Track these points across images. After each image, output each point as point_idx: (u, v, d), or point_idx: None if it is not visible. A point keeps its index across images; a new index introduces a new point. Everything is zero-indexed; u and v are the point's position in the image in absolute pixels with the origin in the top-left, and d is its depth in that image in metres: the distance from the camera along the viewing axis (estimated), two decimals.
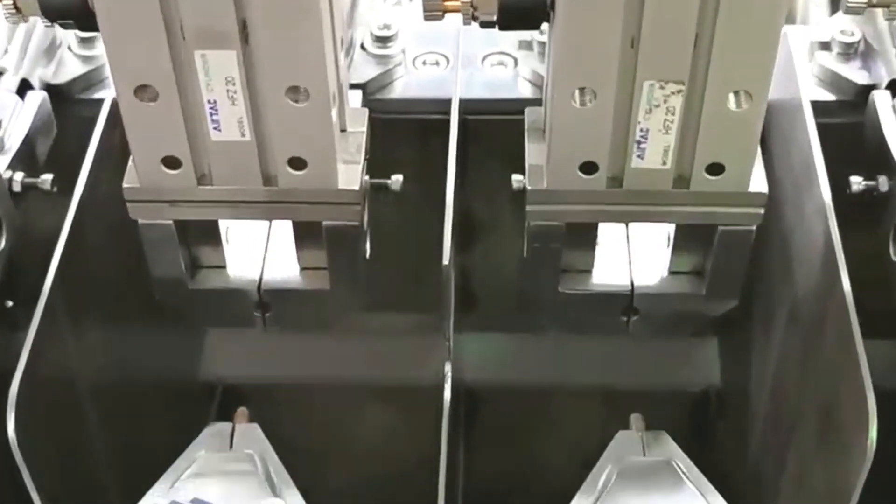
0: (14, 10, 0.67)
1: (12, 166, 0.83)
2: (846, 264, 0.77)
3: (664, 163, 0.71)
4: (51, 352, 0.77)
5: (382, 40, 0.93)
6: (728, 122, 0.69)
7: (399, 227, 0.87)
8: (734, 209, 0.74)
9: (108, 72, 0.80)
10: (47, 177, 0.84)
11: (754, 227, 0.76)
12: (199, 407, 1.02)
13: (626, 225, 0.84)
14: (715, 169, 0.72)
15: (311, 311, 0.83)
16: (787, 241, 0.88)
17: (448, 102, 0.89)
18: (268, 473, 0.77)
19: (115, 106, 0.79)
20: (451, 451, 0.70)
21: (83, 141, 0.85)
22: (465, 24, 0.68)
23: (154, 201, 0.75)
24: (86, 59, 0.92)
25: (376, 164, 0.80)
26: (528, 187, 0.74)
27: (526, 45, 0.94)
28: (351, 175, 0.75)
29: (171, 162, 0.72)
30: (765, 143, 0.76)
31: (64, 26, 0.69)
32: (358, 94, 0.90)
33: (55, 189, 0.84)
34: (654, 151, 0.71)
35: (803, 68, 0.91)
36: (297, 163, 0.72)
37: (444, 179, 0.83)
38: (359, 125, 0.78)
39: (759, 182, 0.74)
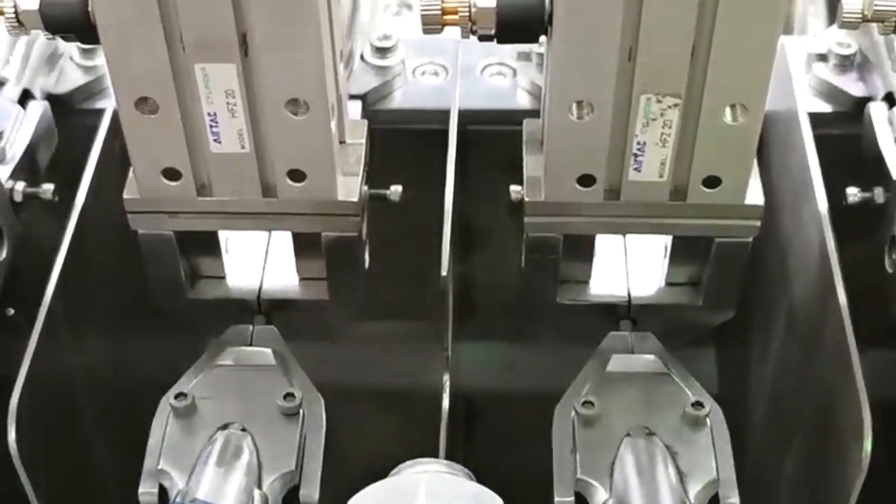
0: (16, 24, 0.67)
1: (14, 176, 0.83)
2: (843, 275, 0.77)
3: (661, 175, 0.72)
4: (51, 361, 0.77)
5: (382, 51, 0.94)
6: (724, 135, 0.70)
7: (398, 237, 0.88)
8: (731, 221, 0.75)
9: (108, 82, 0.80)
10: (48, 186, 0.85)
11: (751, 239, 0.76)
12: None
13: (624, 236, 0.84)
14: (711, 182, 0.72)
15: (310, 321, 0.83)
16: (784, 252, 0.88)
17: (447, 113, 0.89)
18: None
19: (115, 116, 0.79)
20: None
21: (84, 150, 0.85)
22: (463, 37, 0.69)
23: (154, 212, 0.75)
24: (87, 70, 0.92)
25: (375, 173, 0.81)
26: (527, 199, 0.75)
27: (524, 56, 0.94)
28: (350, 187, 0.75)
29: (172, 173, 0.73)
30: (762, 153, 0.76)
31: (65, 39, 0.70)
32: (357, 104, 0.90)
33: (56, 198, 0.85)
34: (651, 164, 0.71)
35: (800, 80, 0.92)
36: (296, 174, 0.73)
37: (443, 189, 0.84)
38: (358, 137, 0.78)
39: (755, 194, 0.74)
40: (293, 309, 0.83)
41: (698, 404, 0.74)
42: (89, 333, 0.85)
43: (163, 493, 0.73)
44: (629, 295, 0.83)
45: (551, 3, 0.65)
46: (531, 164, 0.76)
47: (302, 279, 0.83)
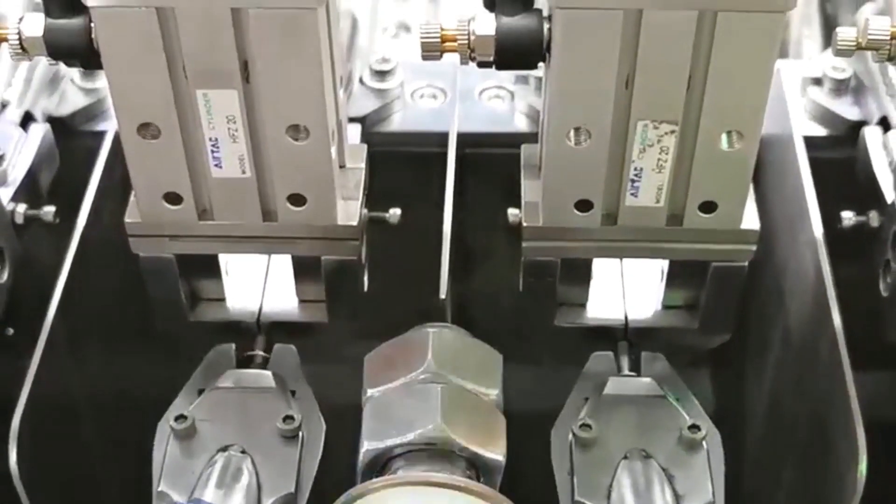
0: (20, 50, 0.68)
1: (15, 198, 0.84)
2: (837, 298, 0.78)
3: (658, 201, 0.72)
4: (53, 382, 0.78)
5: (381, 74, 0.94)
6: (720, 161, 0.70)
7: (397, 260, 0.88)
8: (727, 246, 0.75)
9: (110, 103, 0.81)
10: (50, 209, 0.85)
11: (747, 264, 0.77)
12: None
13: (621, 260, 0.85)
14: (708, 207, 0.73)
15: (309, 343, 0.84)
16: (779, 274, 0.89)
17: (445, 136, 0.90)
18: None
19: (117, 138, 0.80)
20: None
21: (85, 172, 0.86)
22: (462, 63, 0.69)
23: (155, 236, 0.76)
24: (88, 92, 0.93)
25: (374, 196, 0.81)
26: (525, 224, 0.75)
27: (522, 80, 0.95)
28: (350, 211, 0.76)
29: (173, 198, 0.73)
30: (758, 176, 0.77)
31: (68, 65, 0.70)
32: (357, 127, 0.91)
33: (57, 220, 0.85)
34: (648, 190, 0.72)
35: (795, 103, 0.92)
36: (296, 199, 0.73)
37: (442, 211, 0.84)
38: (358, 161, 0.79)
39: (751, 219, 0.75)
40: (292, 331, 0.83)
41: (695, 427, 0.75)
42: (90, 355, 0.86)
43: None
44: (626, 318, 0.83)
45: (549, 31, 0.66)
46: (529, 189, 0.77)
47: (301, 301, 0.84)
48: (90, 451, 0.86)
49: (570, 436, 0.76)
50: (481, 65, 0.69)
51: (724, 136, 0.69)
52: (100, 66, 0.68)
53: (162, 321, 0.82)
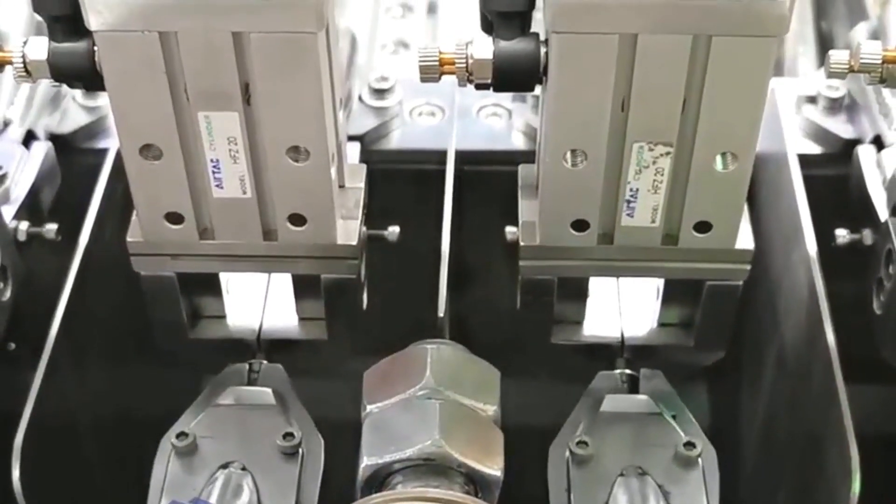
0: (24, 73, 0.69)
1: (18, 216, 0.84)
2: (831, 315, 0.79)
3: (653, 221, 0.73)
4: (55, 399, 0.78)
5: (380, 92, 0.95)
6: (715, 182, 0.71)
7: (395, 277, 0.89)
8: (721, 265, 0.76)
9: (111, 121, 0.82)
10: (52, 226, 0.85)
11: (741, 282, 0.78)
12: None
13: (617, 278, 0.86)
14: (702, 227, 0.74)
15: (309, 360, 0.84)
16: (773, 291, 0.89)
17: (444, 153, 0.91)
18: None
19: (118, 155, 0.81)
20: None
21: (87, 190, 0.86)
22: (460, 85, 0.70)
23: (157, 255, 0.77)
24: (90, 110, 0.93)
25: (373, 213, 0.82)
26: (522, 243, 0.76)
27: (520, 98, 0.96)
28: (349, 230, 0.76)
29: (174, 217, 0.74)
30: (752, 194, 0.77)
31: (71, 86, 0.71)
32: (356, 145, 0.92)
33: (59, 238, 0.86)
34: (644, 210, 0.73)
35: (790, 121, 0.93)
36: (296, 219, 0.74)
37: (440, 229, 0.85)
38: (357, 181, 0.79)
39: (745, 239, 0.75)
40: (292, 348, 0.84)
41: (690, 444, 0.76)
42: (92, 372, 0.86)
43: None
44: (622, 335, 0.84)
45: (546, 55, 0.67)
46: (526, 208, 0.77)
47: (301, 319, 0.84)
48: (92, 467, 0.87)
49: (567, 452, 0.76)
50: (479, 87, 0.70)
51: (718, 158, 0.70)
52: (103, 89, 0.68)
53: (163, 339, 0.83)
